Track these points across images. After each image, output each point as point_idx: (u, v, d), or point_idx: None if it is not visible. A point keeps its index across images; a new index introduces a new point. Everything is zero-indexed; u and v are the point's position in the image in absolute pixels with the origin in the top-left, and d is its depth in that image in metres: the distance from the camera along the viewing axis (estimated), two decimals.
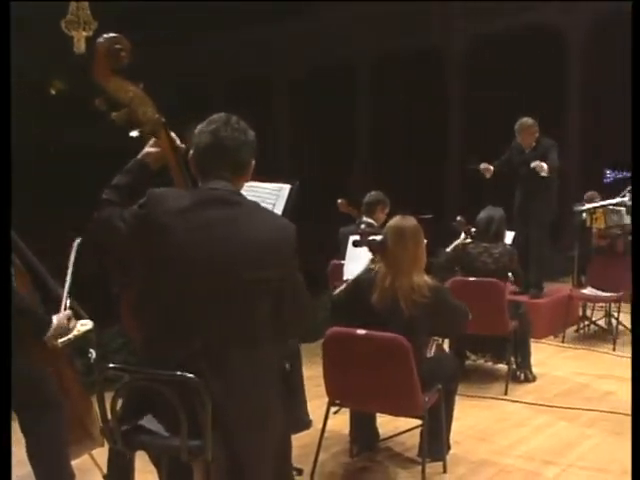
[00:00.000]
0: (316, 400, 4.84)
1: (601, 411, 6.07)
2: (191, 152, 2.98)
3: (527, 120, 8.53)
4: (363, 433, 5.04)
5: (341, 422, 5.17)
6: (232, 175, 2.92)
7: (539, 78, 15.21)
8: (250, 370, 2.78)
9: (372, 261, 4.71)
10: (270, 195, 4.16)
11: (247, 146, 2.96)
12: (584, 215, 9.01)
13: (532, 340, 7.19)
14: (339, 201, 7.11)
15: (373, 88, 19.41)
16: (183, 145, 3.19)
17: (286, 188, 4.18)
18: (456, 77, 17.91)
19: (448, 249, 6.76)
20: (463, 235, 6.70)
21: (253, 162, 3.01)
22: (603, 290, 8.47)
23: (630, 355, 7.66)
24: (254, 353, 2.80)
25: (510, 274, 6.73)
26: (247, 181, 3.06)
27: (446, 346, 6.57)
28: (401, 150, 18.26)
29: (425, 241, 4.69)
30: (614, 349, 8.06)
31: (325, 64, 19.19)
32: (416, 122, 17.87)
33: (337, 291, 4.83)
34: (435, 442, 4.70)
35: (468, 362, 6.96)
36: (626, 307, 8.54)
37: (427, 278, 4.50)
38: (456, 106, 17.81)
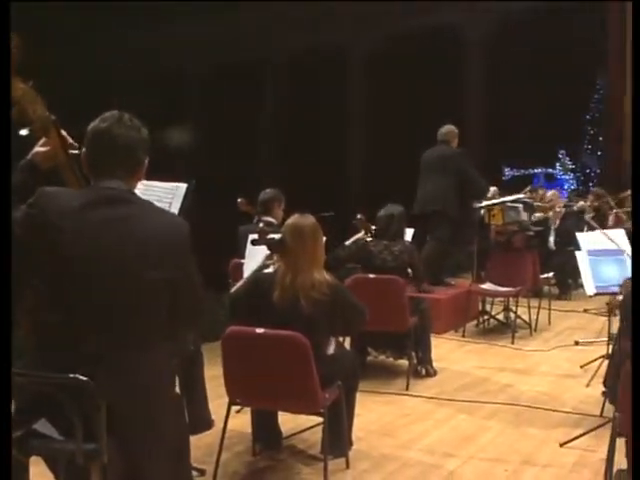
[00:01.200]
0: (218, 400, 4.80)
1: (500, 403, 6.19)
2: (83, 151, 2.92)
3: (453, 128, 8.87)
4: (265, 431, 5.02)
5: (244, 421, 5.14)
6: (126, 174, 2.87)
7: (440, 77, 15.47)
8: (144, 371, 2.74)
9: (268, 257, 4.70)
10: (166, 194, 4.12)
11: (141, 144, 2.91)
12: (482, 212, 9.20)
13: (433, 335, 7.30)
14: (239, 200, 7.10)
15: (277, 87, 19.42)
16: (76, 144, 3.13)
17: (182, 187, 4.15)
18: (359, 76, 18.05)
19: (348, 242, 6.80)
20: (363, 233, 6.75)
21: (147, 160, 2.96)
22: (502, 285, 8.64)
23: (528, 348, 7.93)
24: (148, 354, 2.77)
25: (410, 270, 6.81)
26: (141, 180, 3.02)
27: (347, 343, 6.62)
28: (303, 148, 18.32)
29: (324, 238, 4.71)
30: (513, 342, 8.23)
31: (233, 61, 19.11)
32: (319, 120, 17.95)
33: (235, 288, 4.78)
34: (337, 439, 4.71)
35: (369, 358, 7.01)
36: (524, 301, 8.76)
37: (327, 275, 4.51)
38: (357, 104, 17.95)
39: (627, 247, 6.03)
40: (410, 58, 15.12)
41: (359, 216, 6.74)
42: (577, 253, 6.30)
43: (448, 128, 9.00)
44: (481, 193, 8.98)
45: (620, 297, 5.40)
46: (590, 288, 6.07)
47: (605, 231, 6.56)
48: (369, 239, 6.73)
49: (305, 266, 4.45)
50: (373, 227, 6.73)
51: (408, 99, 14.81)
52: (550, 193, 12.00)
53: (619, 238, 6.20)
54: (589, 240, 6.58)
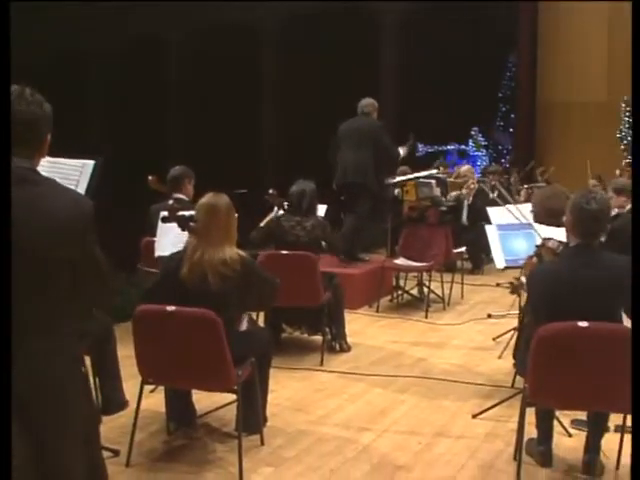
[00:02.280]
0: (133, 380, 4.73)
1: (414, 377, 6.25)
2: None
3: (373, 101, 8.83)
4: (179, 410, 4.97)
5: (158, 400, 5.08)
6: (27, 151, 2.77)
7: (355, 55, 15.47)
8: (49, 354, 2.67)
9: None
10: (74, 171, 4.02)
11: (43, 120, 2.81)
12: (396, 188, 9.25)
13: (347, 310, 7.32)
14: (149, 178, 6.98)
15: (183, 62, 19.18)
16: None
17: (90, 164, 4.04)
18: (272, 53, 17.95)
19: (262, 224, 6.76)
20: (276, 209, 6.72)
21: (49, 137, 2.87)
22: (415, 260, 8.70)
23: (441, 322, 8.03)
24: (53, 336, 2.70)
25: (324, 244, 6.81)
26: (44, 156, 2.92)
27: (262, 320, 6.61)
28: (217, 125, 18.17)
29: (236, 215, 4.67)
30: (426, 317, 8.31)
31: (139, 38, 18.81)
32: (231, 97, 17.81)
33: (151, 282, 4.75)
34: (251, 415, 4.70)
35: (284, 335, 7.00)
36: (437, 276, 8.85)
37: (238, 251, 4.49)
38: (271, 81, 17.86)
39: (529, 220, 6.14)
40: (325, 37, 15.11)
41: (271, 191, 6.71)
42: (487, 227, 6.39)
43: (368, 101, 8.94)
44: (393, 163, 8.95)
45: (523, 278, 5.50)
46: (500, 262, 6.16)
47: (512, 206, 6.66)
48: (281, 213, 6.71)
49: (217, 242, 4.42)
50: (285, 202, 6.70)
51: (323, 77, 14.82)
52: (464, 169, 12.12)
53: (525, 212, 6.31)
54: (499, 215, 6.68)
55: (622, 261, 4.28)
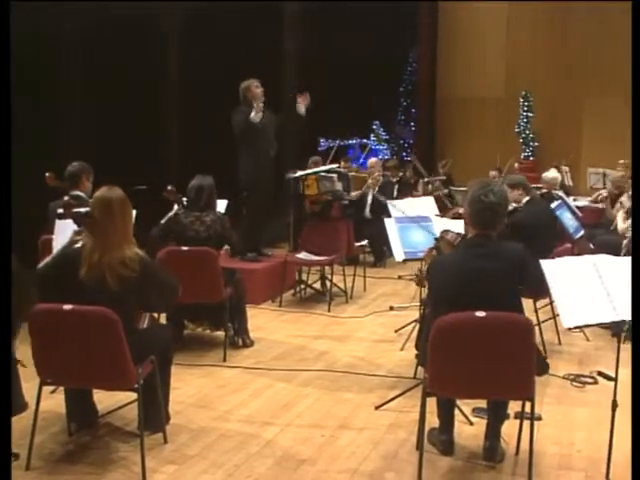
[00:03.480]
0: (33, 381, 4.61)
1: (317, 370, 6.29)
2: None
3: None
4: (80, 411, 4.88)
5: (58, 401, 4.99)
6: None
7: (256, 51, 15.35)
8: None
9: (77, 233, 4.55)
10: None
11: None
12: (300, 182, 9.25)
13: (250, 305, 7.33)
14: (47, 175, 6.83)
15: (85, 54, 18.76)
16: None
17: None
18: (172, 47, 17.67)
19: (162, 221, 6.68)
20: (176, 206, 6.64)
21: None
22: (317, 254, 8.73)
23: (344, 315, 8.08)
24: None
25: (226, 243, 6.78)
26: None
27: (164, 317, 6.54)
28: (119, 120, 17.81)
29: (135, 212, 4.61)
30: (329, 310, 8.36)
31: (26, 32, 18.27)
32: (133, 92, 17.48)
33: (42, 264, 4.60)
34: (153, 414, 4.64)
35: (186, 331, 6.95)
36: (340, 270, 8.90)
37: (138, 251, 4.41)
38: (172, 74, 17.58)
39: (434, 213, 6.25)
40: (226, 32, 14.97)
41: (169, 187, 6.62)
42: (386, 220, 6.46)
43: None
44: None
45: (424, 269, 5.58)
46: (399, 254, 6.24)
47: (412, 199, 6.76)
48: (180, 211, 6.64)
49: (115, 242, 4.33)
50: (184, 198, 6.63)
51: (225, 72, 14.66)
52: (372, 161, 12.24)
53: (426, 206, 6.41)
54: (398, 208, 6.75)
55: (518, 249, 4.39)
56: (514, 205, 7.64)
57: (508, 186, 7.64)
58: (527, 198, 7.64)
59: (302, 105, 8.92)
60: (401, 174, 13.12)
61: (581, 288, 3.99)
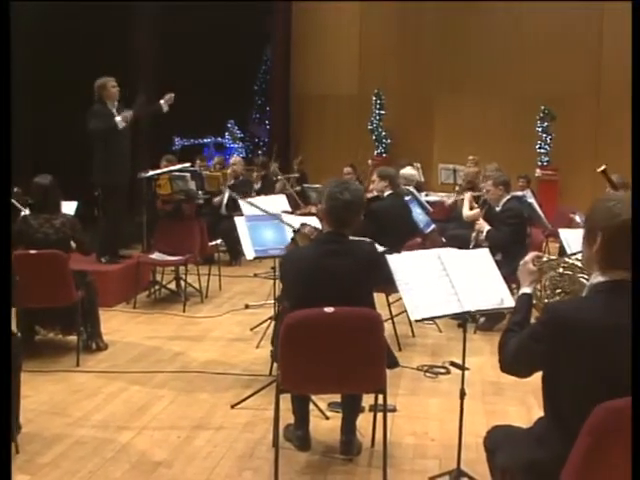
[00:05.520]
0: None
1: (172, 372, 6.25)
2: None
3: None
4: None
5: None
6: None
7: (108, 44, 15.04)
8: None
9: None
10: None
11: None
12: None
13: (103, 308, 7.19)
14: None
15: None
16: None
17: None
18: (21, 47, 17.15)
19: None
20: (23, 209, 6.45)
21: None
22: (171, 254, 8.67)
23: (200, 315, 8.05)
24: None
25: (73, 243, 6.62)
26: None
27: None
28: None
29: None
30: (184, 311, 8.31)
31: None
32: None
33: None
34: None
35: (38, 337, 6.76)
36: (194, 269, 8.86)
37: None
38: (18, 74, 17.07)
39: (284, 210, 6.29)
40: (77, 28, 14.64)
41: (15, 189, 6.44)
42: (236, 219, 6.48)
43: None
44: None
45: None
46: (249, 252, 6.27)
47: (264, 197, 6.79)
48: (27, 213, 6.46)
49: None
50: (29, 200, 6.45)
51: (76, 71, 14.35)
52: (233, 159, 12.25)
53: (278, 203, 6.46)
54: (250, 206, 6.77)
55: (368, 247, 4.49)
56: (375, 193, 7.85)
57: (378, 176, 7.83)
58: (390, 192, 7.83)
59: (166, 105, 8.83)
60: (263, 172, 13.16)
61: (426, 281, 4.09)
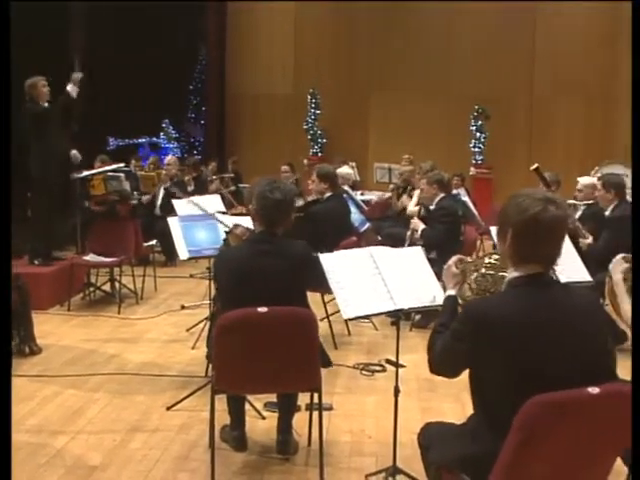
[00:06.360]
0: None
1: (108, 374, 6.19)
2: None
3: None
4: None
5: None
6: None
7: (45, 45, 14.82)
8: None
9: None
10: None
11: None
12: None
13: (36, 311, 7.08)
14: None
15: None
16: None
17: None
18: None
19: None
20: None
21: None
22: (105, 255, 8.58)
23: (135, 317, 7.99)
24: None
25: None
26: None
27: None
28: None
29: None
30: (119, 312, 8.24)
31: None
32: None
33: None
34: None
35: None
36: (128, 270, 8.77)
37: None
38: None
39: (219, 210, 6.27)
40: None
41: None
42: (169, 219, 6.46)
43: None
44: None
45: None
46: (183, 252, 6.24)
47: (199, 197, 6.77)
48: None
49: None
50: None
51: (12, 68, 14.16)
52: (168, 158, 12.18)
53: (212, 203, 6.44)
54: (184, 206, 6.73)
55: (301, 247, 4.50)
56: (316, 197, 7.86)
57: (317, 177, 7.83)
58: (330, 193, 7.84)
59: (75, 88, 8.55)
60: (195, 174, 13.10)
61: (359, 279, 4.11)
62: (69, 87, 8.35)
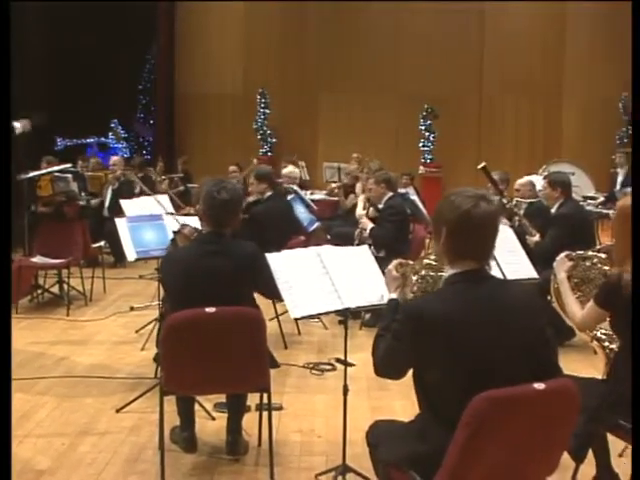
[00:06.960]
0: None
1: (56, 377, 6.12)
2: None
3: None
4: None
5: None
6: None
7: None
8: None
9: None
10: None
11: None
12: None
13: None
14: None
15: None
16: None
17: None
18: None
19: None
20: None
21: None
22: (53, 257, 8.49)
23: (84, 319, 7.92)
24: None
25: None
26: None
27: None
28: None
29: None
30: (68, 314, 8.13)
31: None
32: None
33: None
34: None
35: None
36: (76, 272, 8.68)
37: None
38: None
39: (167, 210, 6.24)
40: None
41: None
42: (116, 220, 6.41)
43: None
44: None
45: None
46: (131, 254, 6.21)
47: (146, 197, 6.73)
48: None
49: None
50: None
51: None
52: (114, 159, 12.03)
53: (161, 204, 6.41)
54: (133, 206, 6.69)
55: (249, 248, 4.50)
56: (256, 197, 7.86)
57: (255, 178, 7.84)
58: (270, 193, 7.85)
59: (21, 128, 8.47)
60: (141, 174, 12.99)
61: (306, 279, 4.12)
62: (17, 124, 8.15)
